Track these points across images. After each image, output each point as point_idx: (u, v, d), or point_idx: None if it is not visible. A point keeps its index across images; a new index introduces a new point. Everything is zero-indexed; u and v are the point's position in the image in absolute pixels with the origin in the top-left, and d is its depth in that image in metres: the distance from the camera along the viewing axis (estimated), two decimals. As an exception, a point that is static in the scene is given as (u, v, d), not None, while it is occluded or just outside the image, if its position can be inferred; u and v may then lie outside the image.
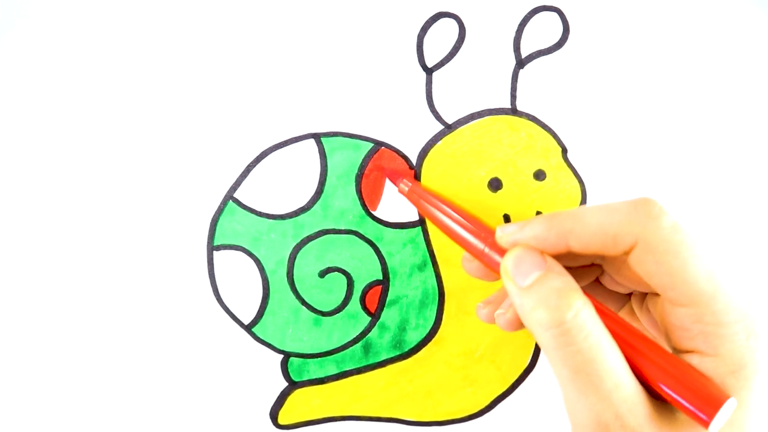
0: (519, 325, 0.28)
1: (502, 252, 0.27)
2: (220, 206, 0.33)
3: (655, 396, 0.24)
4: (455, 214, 0.30)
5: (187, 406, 0.34)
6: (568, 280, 0.25)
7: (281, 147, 0.33)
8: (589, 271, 0.29)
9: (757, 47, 0.34)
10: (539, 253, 0.26)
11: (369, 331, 0.35)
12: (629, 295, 0.31)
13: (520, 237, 0.26)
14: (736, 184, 0.35)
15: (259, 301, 0.34)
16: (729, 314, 0.23)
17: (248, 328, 0.34)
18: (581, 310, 0.24)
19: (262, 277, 0.34)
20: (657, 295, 0.27)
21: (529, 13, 0.33)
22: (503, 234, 0.27)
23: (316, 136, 0.34)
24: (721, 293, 0.23)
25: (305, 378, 0.35)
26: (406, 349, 0.35)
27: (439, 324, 0.35)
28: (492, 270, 0.28)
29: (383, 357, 0.35)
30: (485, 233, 0.29)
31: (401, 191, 0.33)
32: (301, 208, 0.34)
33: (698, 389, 0.23)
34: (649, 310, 0.29)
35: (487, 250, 0.28)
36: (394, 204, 0.34)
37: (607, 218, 0.24)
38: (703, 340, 0.23)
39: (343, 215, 0.34)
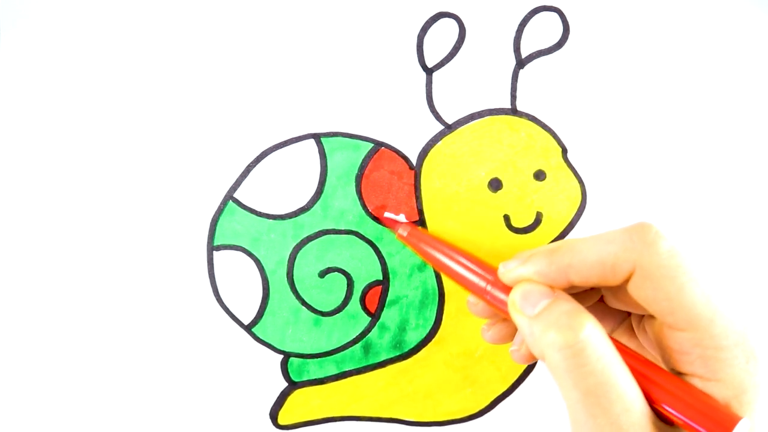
0: (533, 357, 0.28)
1: (505, 289, 0.28)
2: (220, 206, 0.33)
3: (662, 419, 0.24)
4: (456, 255, 0.30)
5: (187, 406, 0.34)
6: (577, 305, 0.25)
7: (281, 147, 0.33)
8: (589, 294, 0.30)
9: (757, 47, 0.34)
10: (546, 285, 0.26)
11: (369, 332, 0.35)
12: (629, 312, 0.31)
13: (522, 272, 0.26)
14: (736, 183, 0.35)
15: (259, 301, 0.34)
16: (728, 338, 0.23)
17: (248, 328, 0.34)
18: (594, 331, 0.24)
19: (262, 278, 0.34)
20: (654, 317, 0.28)
21: (529, 13, 0.34)
22: (505, 270, 0.27)
23: (316, 136, 0.34)
24: (719, 317, 0.23)
25: (305, 378, 0.35)
26: (406, 350, 0.35)
27: (439, 324, 0.35)
28: (496, 309, 0.28)
29: (383, 357, 0.35)
30: (487, 272, 0.29)
31: (400, 237, 0.33)
32: (301, 208, 0.34)
33: (709, 412, 0.23)
34: (646, 331, 0.29)
35: (489, 287, 0.28)
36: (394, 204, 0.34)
37: (604, 249, 0.25)
38: (702, 364, 0.23)
39: (343, 215, 0.34)
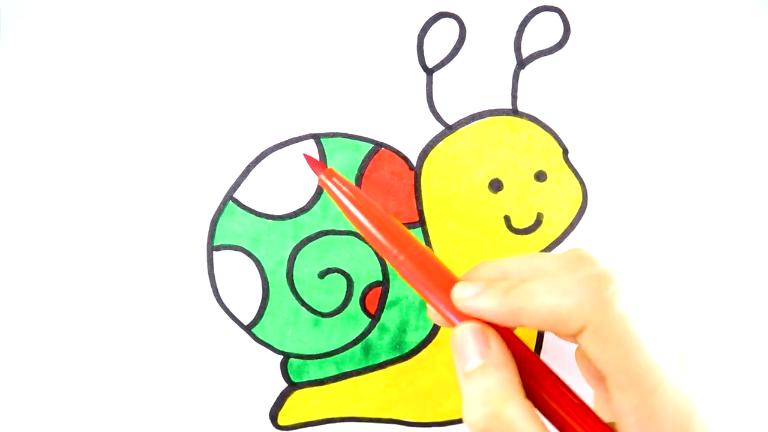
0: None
1: (419, 264, 0.27)
2: (220, 206, 0.34)
3: None
4: (377, 219, 0.28)
5: (187, 407, 0.34)
6: (503, 378, 0.25)
7: (281, 147, 0.33)
8: None
9: (757, 47, 0.34)
10: (485, 337, 0.26)
11: (369, 333, 0.35)
12: None
13: (475, 306, 0.26)
14: (736, 183, 0.35)
15: (259, 302, 0.34)
16: (666, 410, 0.22)
17: (248, 328, 0.34)
18: (516, 414, 0.24)
19: (261, 278, 0.34)
20: None
21: (529, 13, 0.33)
22: (460, 297, 0.27)
23: (316, 137, 0.33)
24: (662, 389, 0.22)
25: (305, 379, 0.35)
26: (406, 351, 0.35)
27: (439, 325, 0.35)
28: (405, 279, 0.28)
29: (383, 358, 0.35)
30: (404, 242, 0.28)
31: (321, 182, 0.29)
32: (300, 208, 0.34)
33: None
34: None
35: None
36: (393, 204, 0.34)
37: (558, 302, 0.24)
38: (638, 429, 0.23)
39: (343, 216, 0.34)
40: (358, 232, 0.29)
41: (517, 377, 0.25)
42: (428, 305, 0.28)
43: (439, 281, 0.27)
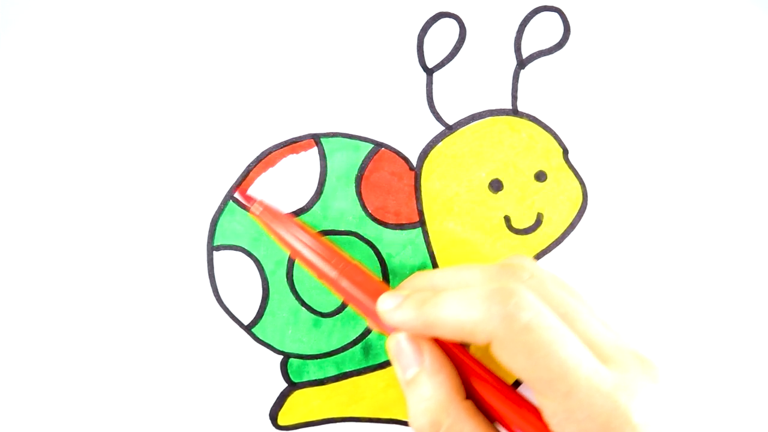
0: None
1: (352, 278, 0.29)
2: (220, 206, 0.34)
3: None
4: (309, 240, 0.31)
5: (186, 407, 0.34)
6: (439, 384, 0.26)
7: (281, 147, 0.33)
8: None
9: (757, 47, 0.34)
10: (417, 346, 0.27)
11: (369, 333, 0.35)
12: None
13: (395, 320, 0.27)
14: (737, 184, 0.35)
15: (259, 302, 0.34)
16: (584, 410, 0.23)
17: (248, 328, 0.34)
18: (450, 426, 0.25)
19: (261, 278, 0.34)
20: None
21: (529, 13, 0.33)
22: (381, 310, 0.28)
23: (316, 137, 0.33)
24: (577, 391, 0.23)
25: (305, 379, 0.35)
26: (407, 351, 0.35)
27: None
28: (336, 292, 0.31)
29: (383, 358, 0.35)
30: (336, 259, 0.30)
31: (253, 213, 0.33)
32: (300, 209, 0.34)
33: None
34: None
35: (334, 274, 0.30)
36: (394, 204, 0.34)
37: (463, 314, 0.25)
38: (563, 430, 0.23)
39: (343, 216, 0.34)
40: (292, 257, 0.32)
41: (455, 380, 0.26)
42: (366, 318, 0.30)
43: (372, 294, 0.29)
